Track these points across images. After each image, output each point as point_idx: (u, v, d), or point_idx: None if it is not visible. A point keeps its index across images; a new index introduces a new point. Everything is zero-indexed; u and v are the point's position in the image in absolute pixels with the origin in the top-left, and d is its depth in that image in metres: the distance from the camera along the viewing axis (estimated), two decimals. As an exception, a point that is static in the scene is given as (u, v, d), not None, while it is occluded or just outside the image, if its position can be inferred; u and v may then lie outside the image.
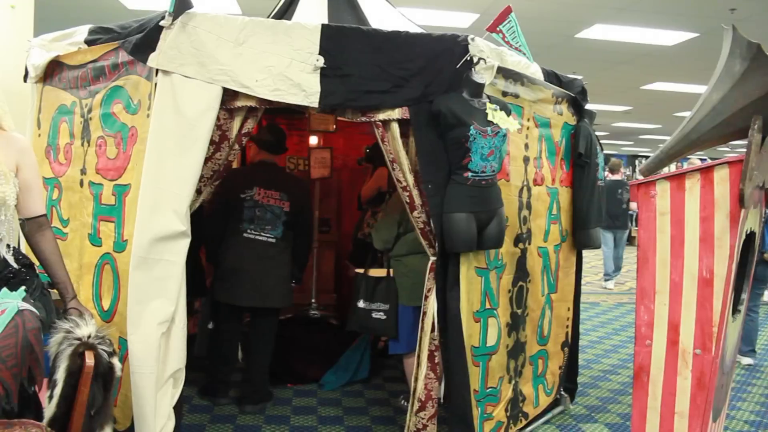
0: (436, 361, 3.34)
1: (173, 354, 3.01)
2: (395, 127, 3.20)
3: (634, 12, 7.43)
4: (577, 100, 4.39)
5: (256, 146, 4.39)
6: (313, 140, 5.94)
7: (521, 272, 3.83)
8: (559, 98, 4.16)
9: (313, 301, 5.45)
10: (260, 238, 4.12)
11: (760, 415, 4.58)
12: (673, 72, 10.59)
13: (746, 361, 5.84)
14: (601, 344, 6.57)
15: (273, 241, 4.14)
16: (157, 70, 3.02)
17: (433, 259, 3.33)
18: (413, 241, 3.61)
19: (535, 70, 3.87)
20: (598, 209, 4.37)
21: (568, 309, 4.53)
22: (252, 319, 4.30)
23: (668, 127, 18.76)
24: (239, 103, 3.09)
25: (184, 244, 3.03)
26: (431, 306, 3.32)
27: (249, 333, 4.33)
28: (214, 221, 4.11)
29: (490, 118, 3.17)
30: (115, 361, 2.38)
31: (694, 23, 7.80)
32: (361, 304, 3.85)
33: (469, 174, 3.16)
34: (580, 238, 4.40)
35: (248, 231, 4.11)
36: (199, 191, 3.14)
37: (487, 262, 3.47)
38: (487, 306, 3.48)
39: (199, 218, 3.19)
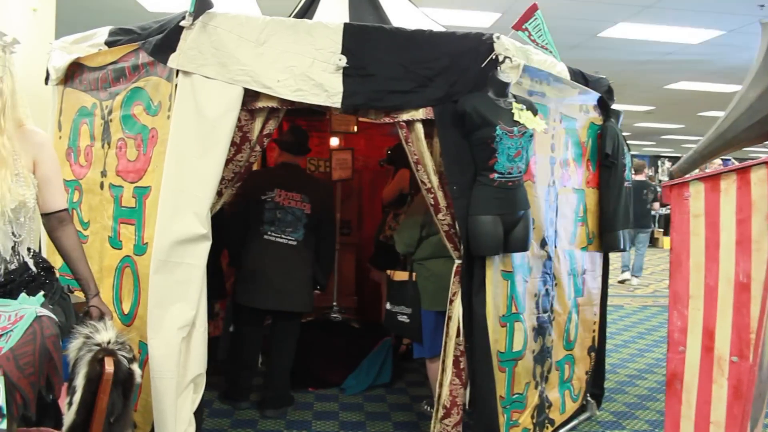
0: (462, 366, 3.27)
1: (194, 359, 2.97)
2: (419, 127, 3.13)
3: (659, 10, 7.29)
4: (603, 100, 4.29)
5: (278, 148, 4.34)
6: (334, 141, 5.88)
7: (547, 276, 3.74)
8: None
9: (334, 304, 5.40)
10: (281, 240, 4.07)
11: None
12: (698, 71, 10.41)
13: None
14: (627, 348, 6.45)
15: (294, 243, 4.09)
16: (177, 71, 2.98)
17: (458, 262, 3.26)
18: (436, 245, 3.54)
19: (561, 69, 3.78)
20: (625, 211, 4.27)
21: (595, 313, 4.43)
22: (273, 323, 4.25)
23: (692, 127, 18.50)
24: (260, 104, 3.04)
25: (205, 247, 2.99)
26: (456, 310, 3.25)
27: (270, 336, 4.28)
28: (235, 224, 4.07)
29: (516, 118, 3.09)
30: (135, 367, 2.33)
31: (720, 21, 7.64)
32: (387, 306, 3.83)
33: (495, 175, 3.08)
34: (607, 241, 4.30)
35: (269, 233, 4.06)
36: (219, 193, 3.09)
37: (513, 266, 3.39)
38: (513, 310, 3.40)
39: (219, 221, 3.13)
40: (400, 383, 4.93)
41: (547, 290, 3.74)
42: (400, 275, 3.85)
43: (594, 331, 4.43)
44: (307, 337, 4.65)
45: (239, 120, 3.01)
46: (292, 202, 4.11)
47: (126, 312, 3.21)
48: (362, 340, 4.97)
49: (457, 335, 3.24)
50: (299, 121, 5.33)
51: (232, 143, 3.01)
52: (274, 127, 3.16)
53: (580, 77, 4.04)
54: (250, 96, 3.01)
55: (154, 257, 2.92)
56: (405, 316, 3.75)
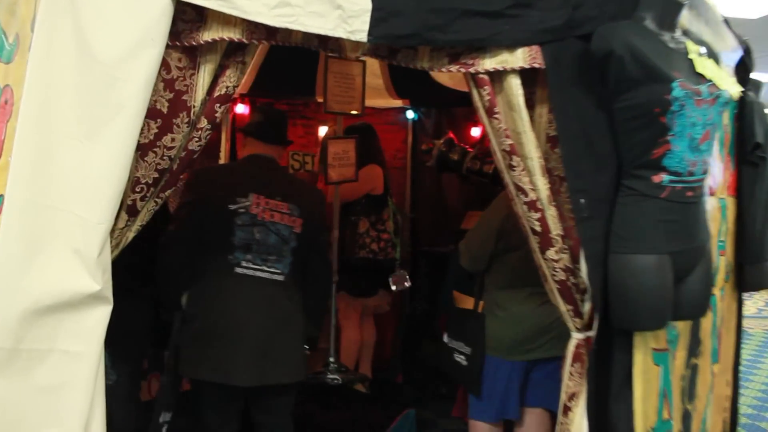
0: None
1: None
2: (514, 84, 1.65)
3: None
4: (745, 63, 2.84)
5: (242, 136, 2.83)
6: (324, 131, 4.50)
7: (694, 342, 2.28)
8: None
9: (330, 360, 3.80)
10: (261, 274, 2.53)
11: None
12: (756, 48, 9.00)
13: None
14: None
15: (280, 278, 2.57)
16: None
17: (579, 338, 1.78)
18: (516, 267, 2.55)
19: (713, 4, 2.32)
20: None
21: (727, 383, 2.97)
22: (253, 408, 2.72)
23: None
24: (209, 35, 1.55)
25: (99, 318, 1.56)
26: (577, 427, 1.76)
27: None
28: (176, 251, 2.55)
29: (699, 69, 1.62)
30: None
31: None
32: (445, 338, 2.91)
33: (665, 177, 1.62)
34: (751, 276, 2.85)
35: (242, 264, 2.51)
36: (132, 210, 1.60)
37: (668, 338, 1.91)
38: (665, 416, 1.94)
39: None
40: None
41: (694, 366, 2.28)
42: (464, 300, 2.88)
43: (725, 409, 2.98)
44: (294, 414, 3.11)
45: (166, 67, 1.54)
46: (275, 216, 2.57)
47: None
48: (374, 413, 3.53)
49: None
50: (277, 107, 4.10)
51: (153, 113, 1.54)
52: (236, 83, 1.66)
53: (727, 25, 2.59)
54: (188, 20, 1.52)
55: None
56: (462, 356, 2.80)
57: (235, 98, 4.60)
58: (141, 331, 2.87)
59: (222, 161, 4.65)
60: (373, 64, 4.00)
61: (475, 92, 1.68)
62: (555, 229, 1.71)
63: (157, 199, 1.69)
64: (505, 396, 2.67)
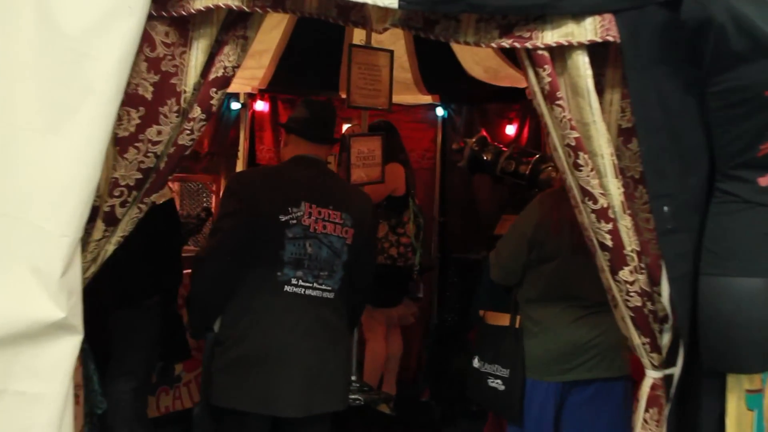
0: None
1: None
2: (581, 63, 1.33)
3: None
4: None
5: (285, 134, 2.51)
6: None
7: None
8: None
9: (353, 378, 3.50)
10: (312, 292, 2.22)
11: None
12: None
13: None
14: None
15: (330, 296, 2.27)
16: None
17: (656, 377, 1.44)
18: (552, 279, 2.33)
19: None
20: None
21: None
22: None
23: None
24: (203, 3, 1.26)
25: (65, 350, 1.24)
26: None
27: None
28: (218, 267, 2.23)
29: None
30: None
31: None
32: (475, 362, 2.66)
33: (776, 179, 1.26)
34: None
35: (292, 282, 2.20)
36: (110, 218, 1.32)
37: (763, 377, 1.57)
38: (758, 470, 1.58)
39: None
40: None
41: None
42: (497, 317, 2.64)
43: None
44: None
45: (150, 43, 1.25)
46: (328, 227, 2.25)
47: None
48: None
49: None
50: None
51: (134, 99, 1.26)
52: (236, 62, 1.36)
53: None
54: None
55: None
56: (498, 381, 2.55)
57: (254, 95, 4.40)
58: (147, 344, 2.74)
59: (240, 161, 4.41)
60: (401, 56, 3.70)
61: (531, 73, 1.35)
62: (630, 243, 1.38)
63: (140, 205, 1.40)
64: (538, 422, 2.43)
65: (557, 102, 1.34)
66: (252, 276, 2.21)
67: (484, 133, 4.16)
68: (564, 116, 1.35)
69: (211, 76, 1.34)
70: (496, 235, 3.99)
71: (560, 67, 1.34)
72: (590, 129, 1.34)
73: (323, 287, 2.25)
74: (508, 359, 2.55)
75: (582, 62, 1.33)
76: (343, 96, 4.02)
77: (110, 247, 1.42)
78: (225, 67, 1.34)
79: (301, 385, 2.22)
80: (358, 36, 3.38)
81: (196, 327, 2.43)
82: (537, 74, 1.35)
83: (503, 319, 2.56)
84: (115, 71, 1.22)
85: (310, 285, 2.23)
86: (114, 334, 2.65)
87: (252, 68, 3.84)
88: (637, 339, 1.45)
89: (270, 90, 4.14)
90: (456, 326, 4.07)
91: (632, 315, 1.43)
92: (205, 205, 4.08)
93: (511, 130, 4.32)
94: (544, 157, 3.99)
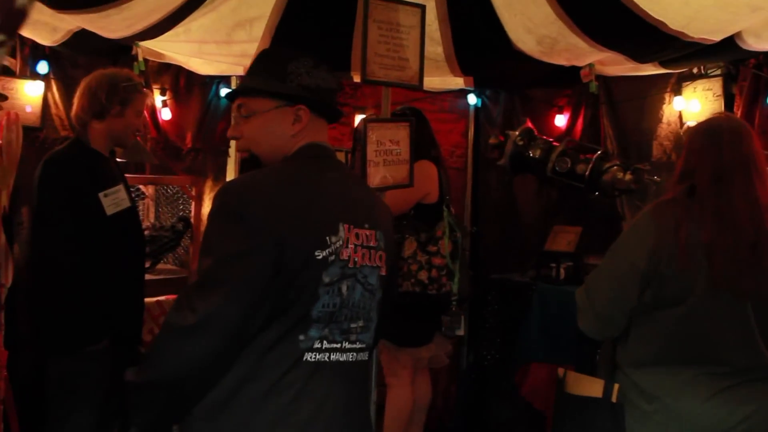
0: None
1: None
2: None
3: None
4: None
5: (288, 109, 1.66)
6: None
7: None
8: None
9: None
10: (342, 357, 1.44)
11: None
12: None
13: None
14: None
15: (365, 358, 1.56)
16: None
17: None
18: (678, 334, 1.79)
19: None
20: None
21: None
22: None
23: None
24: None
25: None
26: None
27: None
28: (219, 339, 1.31)
29: None
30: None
31: None
32: None
33: None
34: None
35: (315, 346, 1.40)
36: None
37: None
38: None
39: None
40: None
41: None
42: (581, 382, 1.97)
43: None
44: None
45: None
46: (365, 256, 1.47)
47: None
48: None
49: None
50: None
51: None
52: None
53: None
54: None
55: None
56: None
57: (241, 76, 3.67)
58: (93, 402, 2.31)
59: (232, 160, 3.70)
60: (431, 22, 2.91)
61: None
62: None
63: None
64: None
65: None
66: (263, 344, 1.38)
67: (530, 125, 3.44)
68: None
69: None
70: (546, 251, 3.24)
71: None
72: None
73: (356, 345, 1.52)
74: None
75: None
76: (357, 79, 3.29)
77: None
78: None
79: None
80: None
81: (172, 419, 1.54)
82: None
83: (592, 386, 1.87)
84: None
85: (339, 346, 1.49)
86: (49, 389, 2.23)
87: (242, 41, 3.08)
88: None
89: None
90: (496, 365, 3.27)
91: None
92: (182, 214, 3.33)
93: (561, 121, 3.61)
94: (607, 153, 3.25)
